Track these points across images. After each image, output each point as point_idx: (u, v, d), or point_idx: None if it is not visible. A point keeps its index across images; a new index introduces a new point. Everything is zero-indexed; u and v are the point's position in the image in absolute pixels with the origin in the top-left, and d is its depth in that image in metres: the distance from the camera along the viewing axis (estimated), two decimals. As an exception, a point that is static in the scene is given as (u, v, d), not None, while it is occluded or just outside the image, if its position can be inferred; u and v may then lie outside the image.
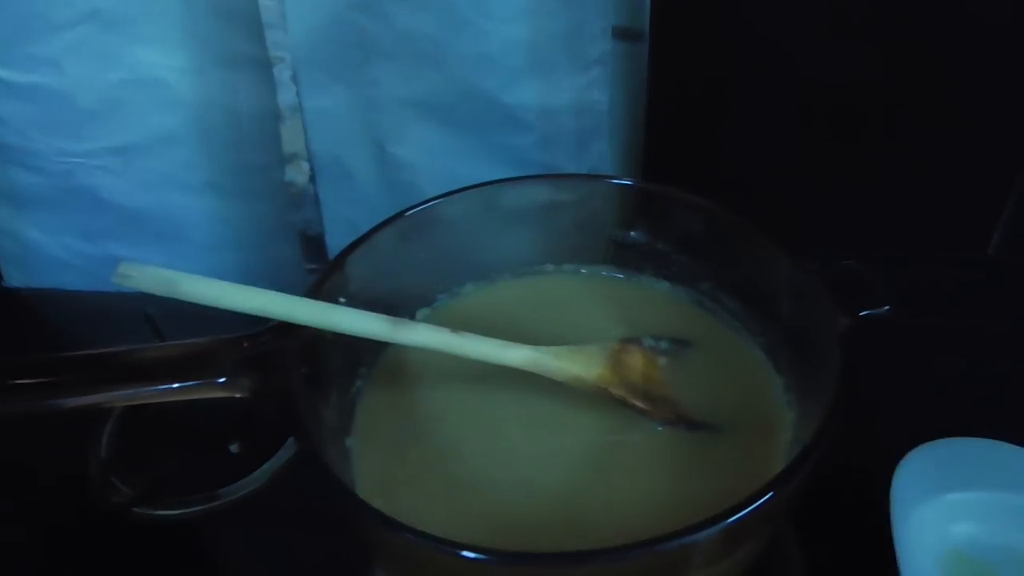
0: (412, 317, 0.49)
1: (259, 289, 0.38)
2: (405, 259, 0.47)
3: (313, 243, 0.69)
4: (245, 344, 0.39)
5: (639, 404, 0.41)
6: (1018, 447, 0.51)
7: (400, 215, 0.47)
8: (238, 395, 0.38)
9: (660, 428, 0.41)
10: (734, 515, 0.30)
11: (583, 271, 0.51)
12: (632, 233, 0.49)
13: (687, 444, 0.41)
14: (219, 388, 0.37)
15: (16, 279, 0.73)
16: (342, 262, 0.43)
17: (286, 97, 0.62)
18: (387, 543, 0.35)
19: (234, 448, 0.59)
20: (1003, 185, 0.66)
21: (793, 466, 0.32)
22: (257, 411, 0.61)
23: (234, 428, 0.60)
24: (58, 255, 0.71)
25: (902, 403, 0.59)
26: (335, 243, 0.69)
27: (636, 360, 0.43)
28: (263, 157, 0.66)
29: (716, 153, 0.65)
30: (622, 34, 0.61)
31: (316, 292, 0.41)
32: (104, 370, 0.38)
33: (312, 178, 0.66)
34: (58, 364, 0.38)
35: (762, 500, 0.31)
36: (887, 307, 0.38)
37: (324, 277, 0.42)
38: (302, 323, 0.39)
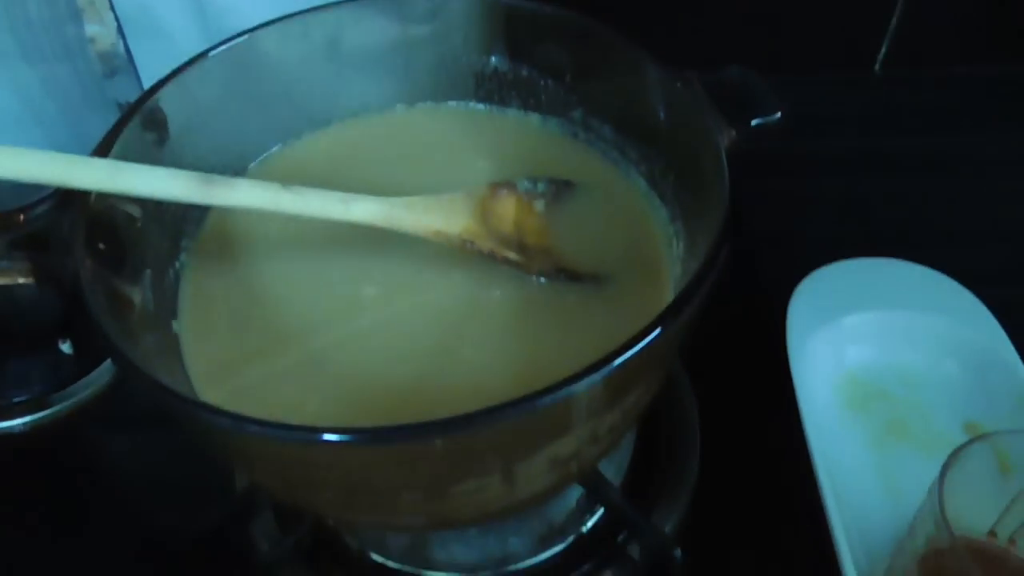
0: (242, 174, 0.41)
1: (28, 150, 0.30)
2: (225, 106, 0.40)
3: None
4: (20, 218, 0.31)
5: (511, 256, 0.36)
6: (911, 263, 0.49)
7: (212, 49, 0.38)
8: (19, 280, 0.30)
9: (538, 282, 0.36)
10: (616, 359, 0.26)
11: (440, 108, 0.44)
12: (492, 59, 0.42)
13: (568, 297, 0.36)
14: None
15: None
16: (140, 109, 0.35)
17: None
18: (230, 439, 0.29)
19: (65, 347, 0.51)
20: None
21: (680, 300, 0.28)
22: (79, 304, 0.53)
23: (66, 323, 0.52)
24: None
25: (791, 229, 0.57)
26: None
27: (508, 207, 0.37)
28: (48, 8, 0.55)
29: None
30: None
31: (106, 150, 0.33)
32: None
33: (119, 30, 0.56)
34: None
35: (647, 340, 0.26)
36: (778, 114, 0.34)
37: (116, 130, 0.34)
38: (85, 188, 0.31)
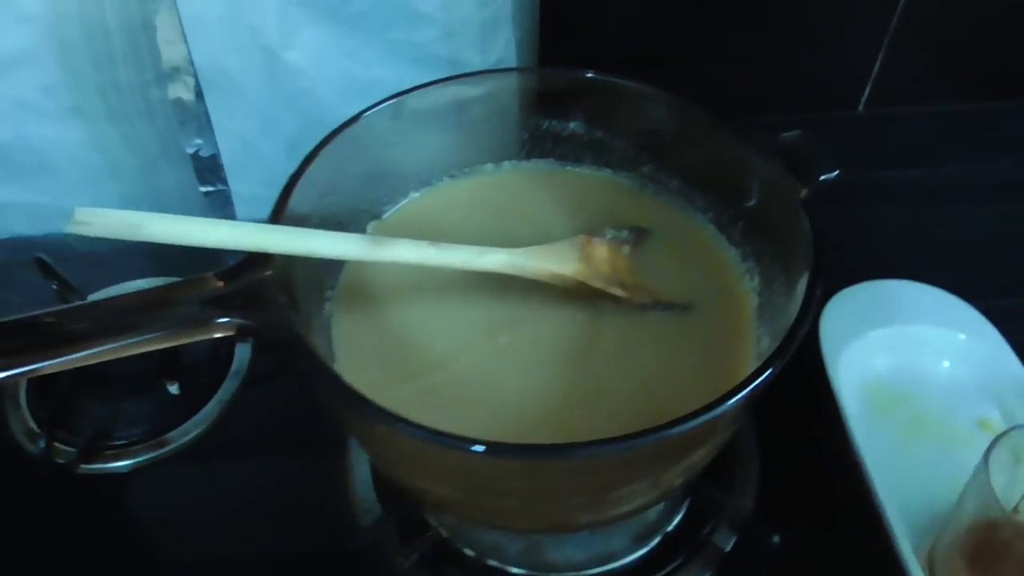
0: (363, 231, 0.47)
1: (226, 221, 0.36)
2: (346, 175, 0.45)
3: (206, 164, 0.64)
4: (218, 283, 0.36)
5: (618, 291, 0.42)
6: (920, 283, 0.57)
7: (337, 132, 0.44)
8: (223, 335, 0.35)
9: (639, 312, 0.43)
10: (746, 388, 0.32)
11: (524, 166, 0.51)
12: (571, 124, 0.49)
13: (663, 325, 0.43)
14: (201, 329, 0.35)
15: None
16: (293, 185, 0.40)
17: (160, 4, 0.56)
18: (397, 445, 0.35)
19: (173, 388, 0.55)
20: (874, 42, 0.71)
21: (789, 338, 0.34)
22: (183, 349, 0.57)
23: (166, 369, 0.56)
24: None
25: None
26: (232, 162, 0.64)
27: (603, 252, 0.44)
28: (136, 74, 0.60)
29: (608, 30, 0.66)
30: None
31: (277, 218, 0.38)
32: (95, 321, 0.34)
33: (199, 94, 0.61)
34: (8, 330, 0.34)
35: (768, 372, 0.33)
36: (837, 171, 0.41)
37: (281, 203, 0.39)
38: (277, 251, 0.36)
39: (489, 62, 0.62)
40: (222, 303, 0.35)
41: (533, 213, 0.48)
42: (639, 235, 0.46)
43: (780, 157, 0.41)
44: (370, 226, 0.47)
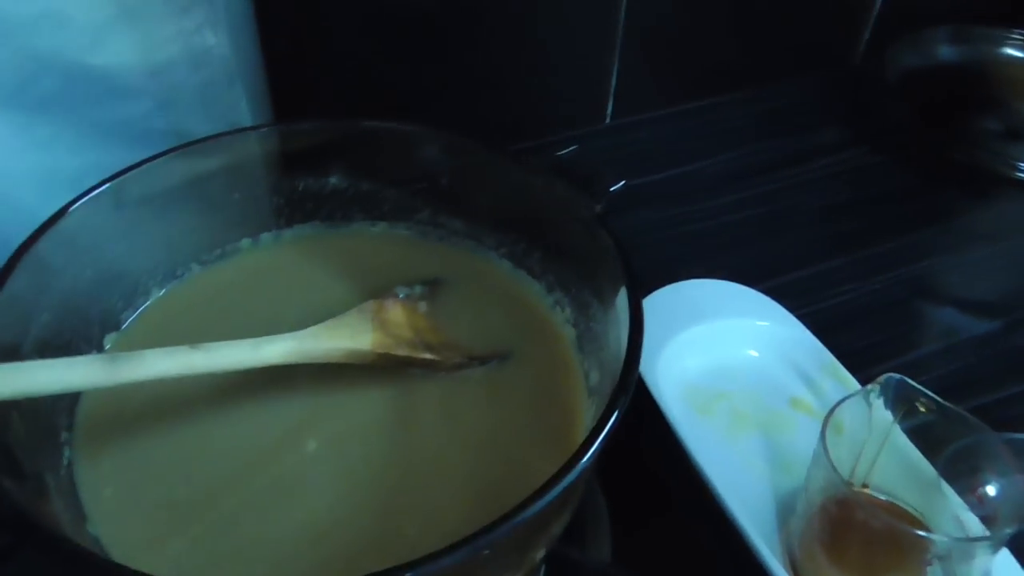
0: (99, 349, 0.38)
1: None
2: (63, 285, 0.36)
3: None
4: None
5: (427, 356, 0.37)
6: (717, 280, 0.57)
7: (40, 234, 0.35)
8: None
9: (450, 376, 0.38)
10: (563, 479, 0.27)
11: (286, 235, 0.44)
12: (331, 180, 0.43)
13: (483, 383, 0.38)
14: None
15: None
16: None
17: None
18: None
19: None
20: (606, 56, 0.73)
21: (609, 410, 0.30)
22: None
23: None
24: None
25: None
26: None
27: (398, 315, 0.39)
28: None
29: (343, 76, 0.61)
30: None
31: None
32: None
33: None
34: None
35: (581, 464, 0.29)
36: (623, 181, 0.39)
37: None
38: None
39: (219, 129, 0.54)
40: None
41: (307, 288, 0.42)
42: (433, 287, 0.41)
43: (564, 176, 0.38)
44: (108, 340, 0.38)
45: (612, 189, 0.38)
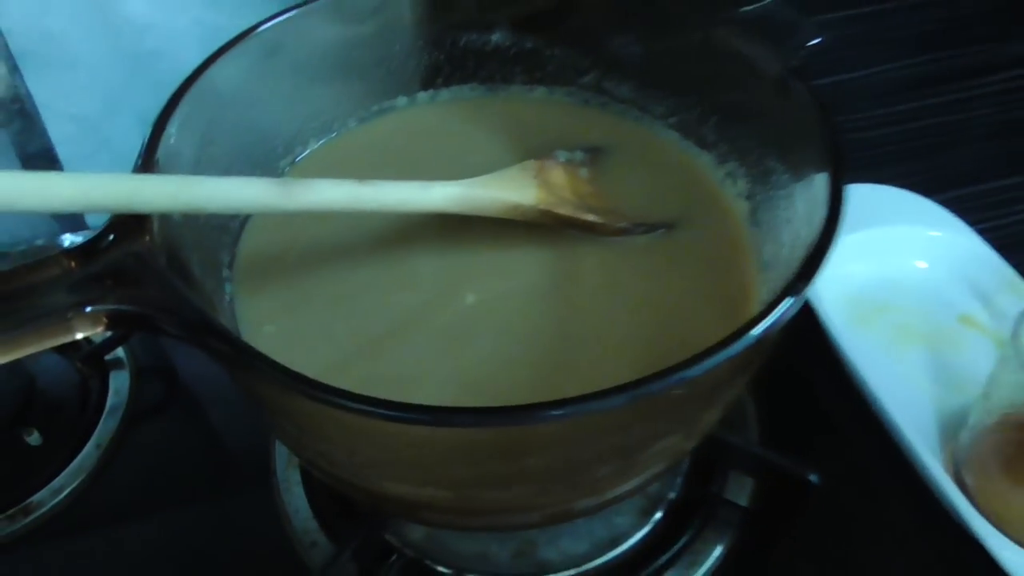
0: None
1: (72, 174, 0.26)
2: (226, 124, 0.35)
3: (34, 159, 0.53)
4: (69, 262, 0.26)
5: (591, 218, 0.35)
6: (887, 186, 0.53)
7: (198, 74, 0.34)
8: (88, 334, 0.26)
9: (614, 241, 0.35)
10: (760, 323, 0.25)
11: (443, 95, 0.42)
12: (493, 36, 0.41)
13: (648, 251, 0.35)
14: (52, 329, 0.25)
15: None
16: (165, 121, 0.31)
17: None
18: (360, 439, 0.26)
19: (32, 439, 0.44)
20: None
21: (815, 256, 0.27)
22: (40, 383, 0.46)
23: (19, 413, 0.45)
24: None
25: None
26: (70, 153, 0.53)
27: (559, 177, 0.36)
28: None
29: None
30: None
31: (148, 164, 0.29)
32: None
33: (13, 68, 0.49)
34: None
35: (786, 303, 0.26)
36: (820, 37, 0.35)
37: (152, 144, 0.29)
38: (156, 209, 0.27)
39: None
40: (81, 288, 0.25)
41: (462, 150, 0.40)
42: (594, 155, 0.39)
43: (753, 30, 0.35)
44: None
45: (809, 44, 0.34)
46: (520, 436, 0.25)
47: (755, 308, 0.33)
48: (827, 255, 0.27)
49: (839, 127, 0.30)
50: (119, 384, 0.46)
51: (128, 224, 0.27)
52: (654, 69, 0.39)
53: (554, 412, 0.23)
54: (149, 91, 0.52)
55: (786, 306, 0.25)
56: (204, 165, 0.33)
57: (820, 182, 0.29)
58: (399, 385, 0.31)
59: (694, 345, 0.30)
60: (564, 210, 0.34)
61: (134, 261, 0.26)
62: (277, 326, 0.33)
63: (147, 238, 0.27)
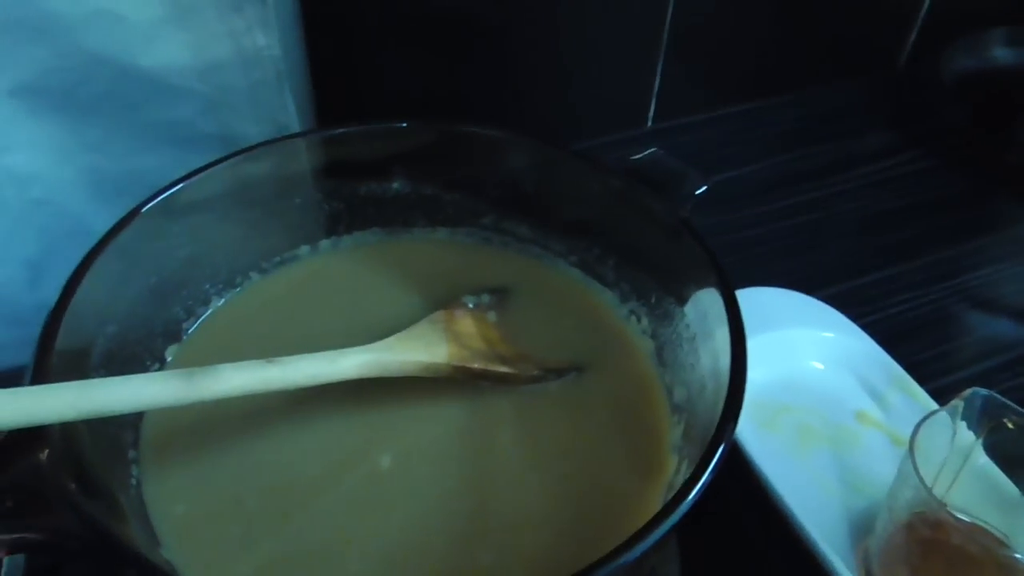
0: (162, 362, 0.37)
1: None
2: (125, 295, 0.35)
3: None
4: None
5: (503, 369, 0.35)
6: (777, 288, 0.55)
7: (103, 245, 0.33)
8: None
9: (525, 391, 0.36)
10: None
11: (345, 242, 0.42)
12: (393, 184, 0.42)
13: (560, 398, 0.36)
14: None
15: None
16: (58, 319, 0.30)
17: None
18: None
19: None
20: (650, 60, 0.71)
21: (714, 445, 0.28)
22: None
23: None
24: None
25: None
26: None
27: (468, 325, 0.37)
28: None
29: (383, 82, 0.60)
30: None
31: (41, 370, 0.28)
32: None
33: None
34: None
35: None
36: (706, 186, 0.37)
37: (44, 346, 0.28)
38: (57, 420, 0.26)
39: (267, 132, 0.53)
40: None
41: (368, 296, 0.40)
42: (500, 296, 0.40)
43: (643, 180, 0.37)
44: (170, 352, 0.37)
45: (697, 192, 0.36)
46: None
47: (667, 453, 0.34)
48: (737, 415, 0.28)
49: (730, 282, 0.31)
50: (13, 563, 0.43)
51: (25, 438, 0.26)
52: (550, 211, 0.41)
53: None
54: (35, 239, 0.51)
55: (711, 468, 0.26)
56: (102, 344, 0.32)
57: (720, 334, 0.31)
58: (314, 562, 0.30)
59: (613, 498, 0.31)
60: (476, 364, 0.35)
61: (32, 479, 0.25)
62: (186, 505, 0.32)
63: (45, 451, 0.25)
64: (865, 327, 0.54)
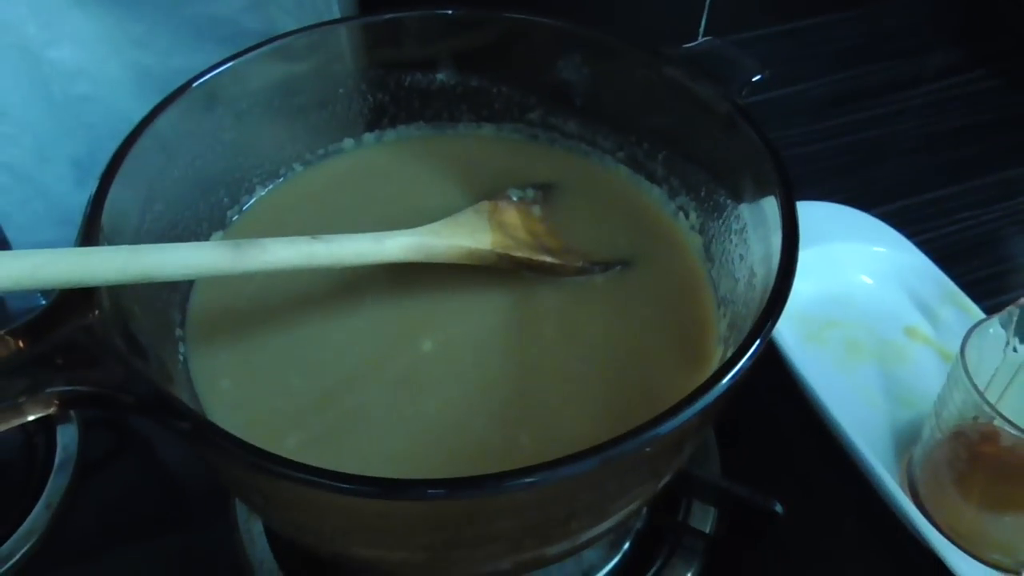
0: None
1: (17, 253, 0.25)
2: (169, 180, 0.34)
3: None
4: (15, 341, 0.25)
5: (547, 259, 0.35)
6: (829, 203, 0.54)
7: (139, 132, 0.33)
8: (40, 416, 0.25)
9: (570, 282, 0.35)
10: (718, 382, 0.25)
11: (389, 136, 0.42)
12: (439, 76, 0.41)
13: (605, 290, 0.36)
14: (10, 415, 0.24)
15: None
16: (105, 189, 0.30)
17: None
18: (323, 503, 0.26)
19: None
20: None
21: (771, 307, 0.27)
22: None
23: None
24: None
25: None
26: (4, 202, 0.51)
27: (513, 217, 0.36)
28: None
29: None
30: None
31: (91, 235, 0.28)
32: None
33: (-63, 118, 0.47)
34: None
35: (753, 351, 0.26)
36: (763, 73, 0.35)
37: (94, 214, 0.29)
38: (104, 281, 0.26)
39: (305, 22, 0.52)
40: (31, 369, 0.24)
41: (411, 192, 0.40)
42: (546, 192, 0.39)
43: (697, 67, 0.35)
44: (215, 238, 0.37)
45: (753, 79, 0.35)
46: (486, 504, 0.25)
47: (714, 345, 0.33)
48: (786, 298, 0.27)
49: (784, 165, 0.30)
50: (67, 439, 0.44)
51: (76, 298, 0.26)
52: (600, 105, 0.40)
53: (511, 483, 0.22)
54: (81, 137, 0.51)
55: (752, 352, 0.26)
56: (149, 223, 0.32)
57: (772, 220, 0.30)
58: (357, 439, 0.31)
59: (655, 389, 0.31)
60: (521, 252, 0.34)
61: (84, 336, 0.25)
62: (232, 380, 0.32)
63: (96, 312, 0.26)
64: (920, 244, 0.53)
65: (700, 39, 0.73)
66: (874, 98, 0.69)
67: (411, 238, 0.32)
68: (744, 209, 0.33)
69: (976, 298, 0.51)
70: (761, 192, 0.31)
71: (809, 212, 0.53)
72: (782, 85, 0.70)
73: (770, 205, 0.30)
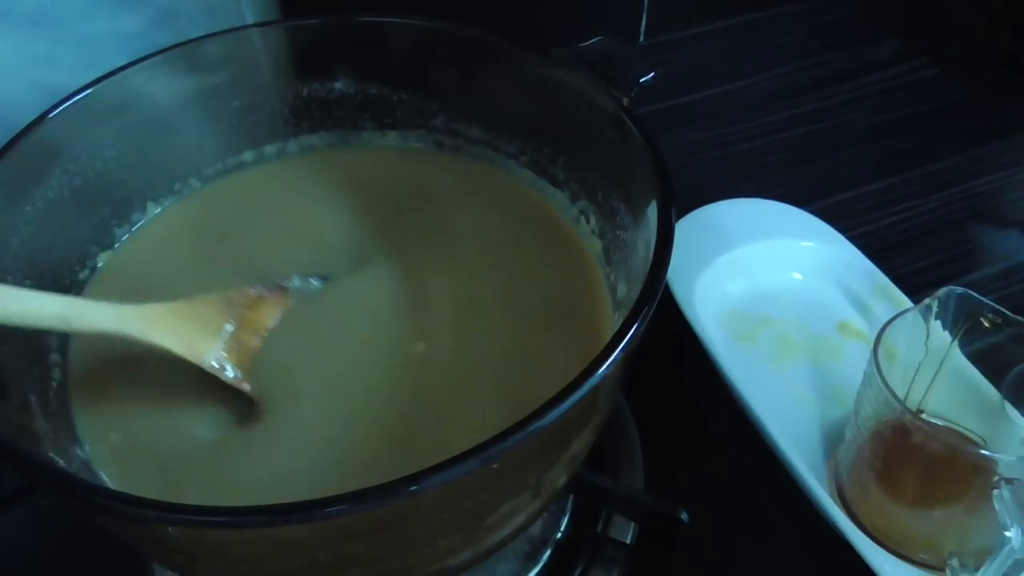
0: (92, 269, 0.36)
1: None
2: (46, 198, 0.34)
3: None
4: None
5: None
6: (759, 200, 0.53)
7: (17, 140, 0.32)
8: None
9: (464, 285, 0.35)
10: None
11: (291, 146, 0.41)
12: (337, 84, 0.40)
13: (502, 292, 0.35)
14: None
15: None
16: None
17: None
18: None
19: None
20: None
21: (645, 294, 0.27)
22: None
23: None
24: None
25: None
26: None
27: (268, 312, 0.34)
28: None
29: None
30: None
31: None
32: None
33: None
34: None
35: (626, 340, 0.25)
36: (653, 72, 0.35)
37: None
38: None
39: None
40: None
41: (313, 209, 0.39)
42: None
43: (589, 67, 0.35)
44: (101, 258, 0.36)
45: (642, 80, 0.34)
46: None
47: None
48: (659, 289, 0.26)
49: (666, 165, 0.30)
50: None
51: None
52: (497, 109, 0.39)
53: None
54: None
55: (630, 336, 0.25)
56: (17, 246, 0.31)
57: (653, 224, 0.29)
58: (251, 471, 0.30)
59: (543, 396, 0.30)
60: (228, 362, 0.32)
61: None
62: (112, 419, 0.31)
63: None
64: (856, 239, 0.52)
65: (641, 39, 0.73)
66: (815, 92, 0.68)
67: (112, 317, 0.29)
68: (633, 212, 0.32)
69: (914, 290, 0.50)
70: (645, 194, 0.30)
71: (736, 209, 0.53)
72: (722, 82, 0.70)
73: (652, 208, 0.30)
